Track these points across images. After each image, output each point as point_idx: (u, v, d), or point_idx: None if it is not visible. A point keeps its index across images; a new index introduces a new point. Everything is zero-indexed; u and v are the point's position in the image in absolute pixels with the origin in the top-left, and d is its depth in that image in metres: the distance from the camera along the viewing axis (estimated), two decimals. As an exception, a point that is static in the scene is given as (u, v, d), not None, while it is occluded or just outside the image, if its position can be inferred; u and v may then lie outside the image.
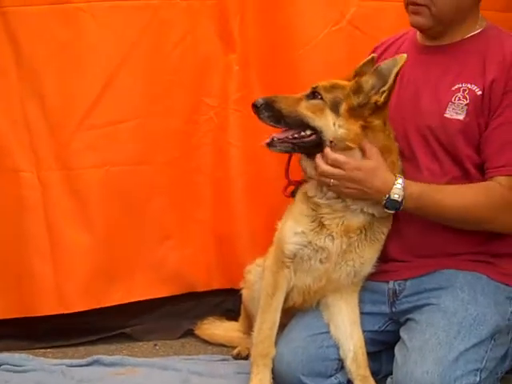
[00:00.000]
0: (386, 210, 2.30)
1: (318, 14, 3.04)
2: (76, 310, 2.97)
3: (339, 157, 2.27)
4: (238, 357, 2.79)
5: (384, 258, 2.48)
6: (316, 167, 2.31)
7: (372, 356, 2.52)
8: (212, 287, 3.19)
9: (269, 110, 2.33)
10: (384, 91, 2.29)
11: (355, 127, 2.28)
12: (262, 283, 2.50)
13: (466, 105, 2.35)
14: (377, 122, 2.32)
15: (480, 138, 2.35)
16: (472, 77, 2.36)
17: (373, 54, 2.48)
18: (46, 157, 2.97)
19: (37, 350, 2.88)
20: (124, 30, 3.01)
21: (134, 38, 3.03)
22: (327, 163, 2.27)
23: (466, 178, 2.37)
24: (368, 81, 2.32)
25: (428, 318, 2.31)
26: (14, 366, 2.66)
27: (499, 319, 2.31)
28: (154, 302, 3.14)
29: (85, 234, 3.00)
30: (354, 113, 2.29)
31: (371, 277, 2.49)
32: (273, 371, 2.44)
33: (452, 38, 2.43)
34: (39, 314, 2.94)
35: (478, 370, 2.21)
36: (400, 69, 2.26)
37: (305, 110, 2.32)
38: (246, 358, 2.63)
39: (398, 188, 2.26)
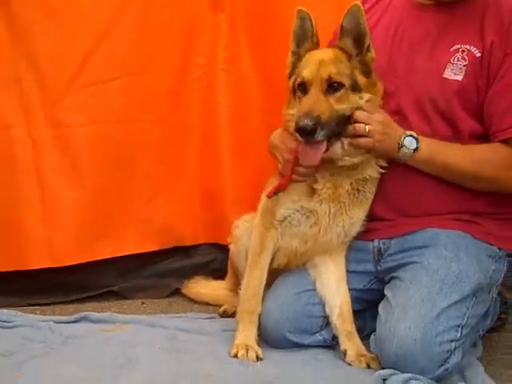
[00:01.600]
0: (403, 151, 2.33)
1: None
2: (66, 264, 3.03)
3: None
4: (224, 314, 2.83)
5: (369, 217, 2.50)
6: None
7: (356, 314, 2.55)
8: (199, 241, 3.25)
9: (321, 128, 2.23)
10: (369, 45, 2.30)
11: (374, 89, 2.33)
12: (249, 242, 2.52)
13: (464, 66, 2.35)
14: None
15: (478, 101, 2.36)
16: (471, 38, 2.35)
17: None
18: (37, 114, 3.01)
19: (25, 307, 2.91)
20: None
21: None
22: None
23: (456, 138, 2.38)
24: (346, 43, 2.31)
25: (411, 276, 2.34)
26: (1, 321, 2.68)
27: (481, 277, 2.34)
28: (143, 261, 3.19)
29: (75, 190, 3.06)
30: (366, 77, 2.31)
31: (356, 236, 2.51)
32: (259, 328, 2.47)
33: None
34: (30, 268, 3.00)
35: (459, 326, 2.24)
36: (363, 18, 2.27)
37: (338, 106, 2.28)
38: (233, 315, 2.66)
39: (410, 131, 2.34)
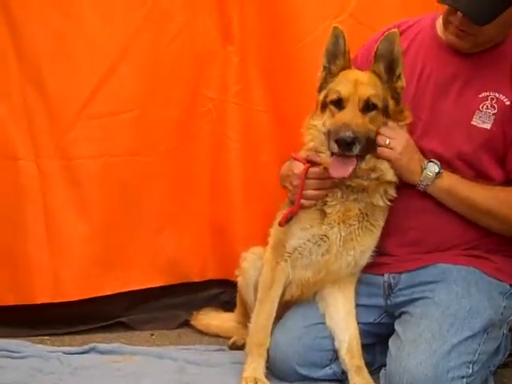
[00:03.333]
0: (423, 177, 2.35)
1: (319, 7, 3.05)
2: (73, 299, 2.99)
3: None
4: (233, 346, 2.82)
5: (380, 251, 2.51)
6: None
7: (366, 348, 2.55)
8: (207, 278, 3.22)
9: (358, 142, 2.26)
10: (400, 74, 2.34)
11: (401, 116, 2.39)
12: (259, 275, 2.53)
13: (493, 114, 2.36)
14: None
15: (504, 148, 2.38)
16: (500, 86, 2.37)
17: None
18: (45, 146, 3.00)
19: (34, 338, 2.90)
20: (124, 21, 3.04)
21: (133, 28, 3.05)
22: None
23: (481, 179, 2.40)
24: (379, 68, 2.35)
25: (422, 311, 2.34)
26: (11, 352, 2.69)
27: (492, 313, 2.34)
28: (152, 293, 3.17)
29: (82, 224, 3.03)
30: (395, 104, 2.36)
31: (367, 269, 2.52)
32: (268, 360, 2.47)
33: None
34: (36, 302, 2.97)
35: (470, 362, 2.24)
36: (399, 46, 2.31)
37: (370, 126, 2.32)
38: (242, 347, 2.65)
39: (433, 160, 2.37)
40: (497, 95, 2.37)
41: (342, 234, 2.40)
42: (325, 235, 2.41)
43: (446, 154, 2.41)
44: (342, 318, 2.48)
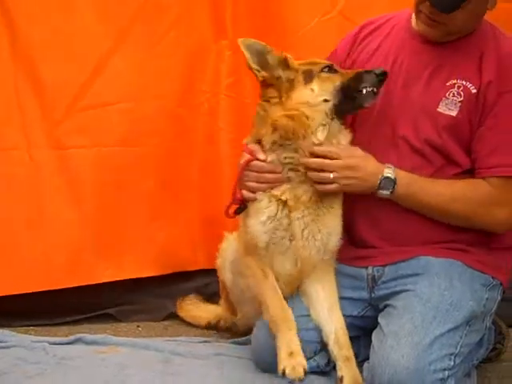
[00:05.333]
0: (380, 192, 2.35)
1: (309, 4, 3.09)
2: (63, 287, 3.02)
3: (332, 148, 2.33)
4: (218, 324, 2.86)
5: (363, 244, 2.51)
6: (310, 165, 2.32)
7: (351, 341, 2.51)
8: (198, 267, 3.24)
9: None
10: None
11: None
12: (248, 282, 2.51)
13: (460, 101, 2.36)
14: None
15: (470, 136, 2.37)
16: (468, 74, 2.37)
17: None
18: (38, 136, 3.04)
19: (20, 328, 2.92)
20: (117, 13, 3.07)
21: (126, 21, 3.09)
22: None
23: (443, 171, 2.39)
24: None
25: (405, 304, 2.33)
26: (-5, 341, 2.69)
27: (474, 305, 2.33)
28: (139, 283, 3.17)
29: (74, 213, 3.08)
30: None
31: (350, 262, 2.51)
32: (252, 352, 2.50)
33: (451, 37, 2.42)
34: (27, 291, 2.98)
35: (452, 354, 2.23)
36: None
37: None
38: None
39: (389, 168, 2.34)
40: (464, 83, 2.37)
41: (304, 219, 2.38)
42: (287, 224, 2.39)
43: (416, 141, 2.41)
44: (324, 312, 2.46)
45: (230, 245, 2.71)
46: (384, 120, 2.46)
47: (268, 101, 2.40)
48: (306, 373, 2.26)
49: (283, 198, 2.38)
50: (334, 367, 2.42)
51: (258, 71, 2.39)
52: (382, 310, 2.43)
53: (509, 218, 2.40)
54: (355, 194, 2.42)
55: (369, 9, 3.00)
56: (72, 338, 2.75)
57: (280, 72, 2.39)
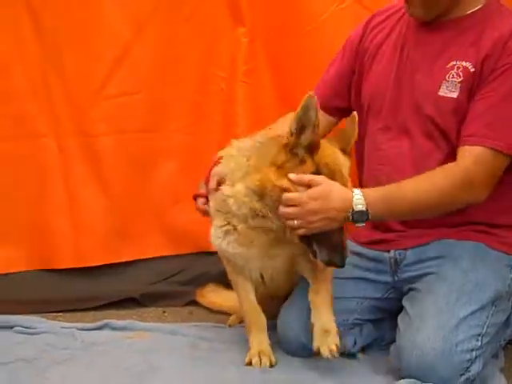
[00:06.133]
0: (356, 224, 2.24)
1: (326, -8, 3.10)
2: (91, 265, 3.21)
3: (290, 195, 2.19)
4: (230, 326, 2.85)
5: (384, 228, 2.51)
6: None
7: (375, 323, 2.58)
8: None
9: None
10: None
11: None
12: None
13: (459, 82, 2.35)
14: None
15: None
16: (467, 54, 2.36)
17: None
18: (65, 124, 3.20)
19: (48, 314, 2.96)
20: (138, 5, 3.18)
21: (147, 12, 3.19)
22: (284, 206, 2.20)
23: (454, 156, 2.35)
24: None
25: (428, 287, 2.34)
26: (25, 327, 2.72)
27: (499, 285, 2.34)
28: (163, 270, 3.28)
29: (100, 196, 3.25)
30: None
31: (372, 245, 2.53)
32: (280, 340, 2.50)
33: (452, 15, 2.41)
34: (58, 267, 3.19)
35: (479, 334, 2.24)
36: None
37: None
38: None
39: (358, 198, 2.21)
40: (463, 63, 2.35)
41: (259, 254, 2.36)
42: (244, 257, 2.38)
43: (425, 126, 2.40)
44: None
45: None
46: (395, 111, 2.46)
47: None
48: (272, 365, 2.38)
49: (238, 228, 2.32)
50: (363, 348, 2.46)
51: (291, 134, 2.21)
52: (406, 293, 2.45)
53: (488, 191, 2.32)
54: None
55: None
56: (99, 323, 2.78)
57: (301, 151, 2.21)
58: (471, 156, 2.29)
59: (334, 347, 2.27)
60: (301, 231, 2.23)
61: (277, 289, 2.53)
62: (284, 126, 2.32)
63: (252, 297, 2.48)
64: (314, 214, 2.19)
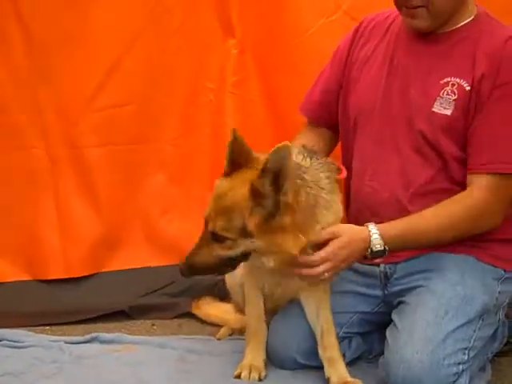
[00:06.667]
0: (374, 260, 2.33)
1: (315, 4, 3.11)
2: (80, 275, 3.22)
3: (318, 254, 2.22)
4: (219, 339, 2.83)
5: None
6: (307, 276, 2.27)
7: (363, 336, 2.58)
8: None
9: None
10: (287, 190, 2.10)
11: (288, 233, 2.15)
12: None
13: (454, 100, 2.34)
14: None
15: (466, 134, 2.34)
16: (462, 71, 2.34)
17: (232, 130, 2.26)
18: (55, 136, 3.22)
19: (36, 327, 2.94)
20: (128, 17, 3.19)
21: (137, 24, 3.20)
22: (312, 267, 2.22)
23: (446, 171, 2.38)
24: (264, 184, 2.10)
25: (418, 300, 2.34)
26: (12, 341, 2.71)
27: (487, 299, 2.34)
28: (152, 282, 3.27)
29: (90, 207, 3.26)
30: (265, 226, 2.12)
31: (363, 260, 2.48)
32: (267, 350, 2.49)
33: (445, 27, 2.40)
34: (47, 278, 3.20)
35: (466, 348, 2.24)
36: (290, 161, 2.07)
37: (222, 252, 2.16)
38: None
39: (375, 238, 2.25)
40: (458, 80, 2.34)
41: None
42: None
43: (416, 141, 2.39)
44: (313, 313, 2.44)
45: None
46: (385, 124, 2.46)
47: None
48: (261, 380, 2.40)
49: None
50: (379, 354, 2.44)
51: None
52: (396, 306, 2.44)
53: (504, 214, 2.35)
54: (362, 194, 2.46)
55: (374, 8, 2.95)
56: (88, 336, 2.77)
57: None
58: (486, 185, 2.31)
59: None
60: (327, 275, 2.27)
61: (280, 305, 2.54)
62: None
63: (260, 305, 2.47)
64: (345, 261, 2.26)
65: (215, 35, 3.23)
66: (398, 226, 2.31)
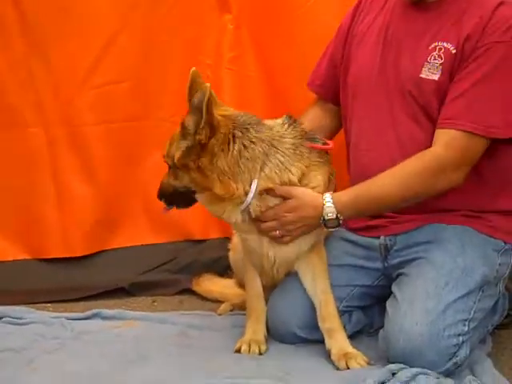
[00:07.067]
0: (329, 229, 2.34)
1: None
2: (79, 254, 3.22)
3: (269, 211, 2.29)
4: (220, 314, 2.85)
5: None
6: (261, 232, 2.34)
7: (365, 310, 2.59)
8: (209, 236, 3.34)
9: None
10: (203, 127, 2.19)
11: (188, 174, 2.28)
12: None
13: (440, 64, 2.33)
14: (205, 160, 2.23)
15: None
16: (448, 35, 2.34)
17: (192, 70, 2.36)
18: (52, 114, 3.21)
19: (38, 304, 2.96)
20: None
21: (132, 1, 3.18)
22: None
23: None
24: (190, 120, 2.23)
25: (417, 271, 2.35)
26: (14, 318, 2.73)
27: (487, 271, 2.35)
28: (153, 259, 3.28)
29: (87, 185, 3.26)
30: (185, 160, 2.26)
31: (362, 232, 2.53)
32: (267, 324, 2.50)
33: None
34: (47, 257, 3.22)
35: (466, 319, 2.25)
36: (209, 99, 2.17)
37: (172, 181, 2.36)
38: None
39: (328, 206, 2.27)
40: (445, 44, 2.33)
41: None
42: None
43: (410, 108, 2.39)
44: (309, 285, 2.44)
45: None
46: (381, 93, 2.45)
47: None
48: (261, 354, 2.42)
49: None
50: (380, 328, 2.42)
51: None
52: (396, 278, 2.44)
53: (464, 174, 2.31)
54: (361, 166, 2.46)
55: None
56: (89, 313, 2.78)
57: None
58: (443, 140, 2.29)
59: (363, 362, 2.33)
60: (285, 239, 2.33)
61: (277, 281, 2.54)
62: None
63: (258, 283, 2.49)
64: (292, 224, 2.30)
65: (211, 11, 3.20)
66: (350, 192, 2.33)
